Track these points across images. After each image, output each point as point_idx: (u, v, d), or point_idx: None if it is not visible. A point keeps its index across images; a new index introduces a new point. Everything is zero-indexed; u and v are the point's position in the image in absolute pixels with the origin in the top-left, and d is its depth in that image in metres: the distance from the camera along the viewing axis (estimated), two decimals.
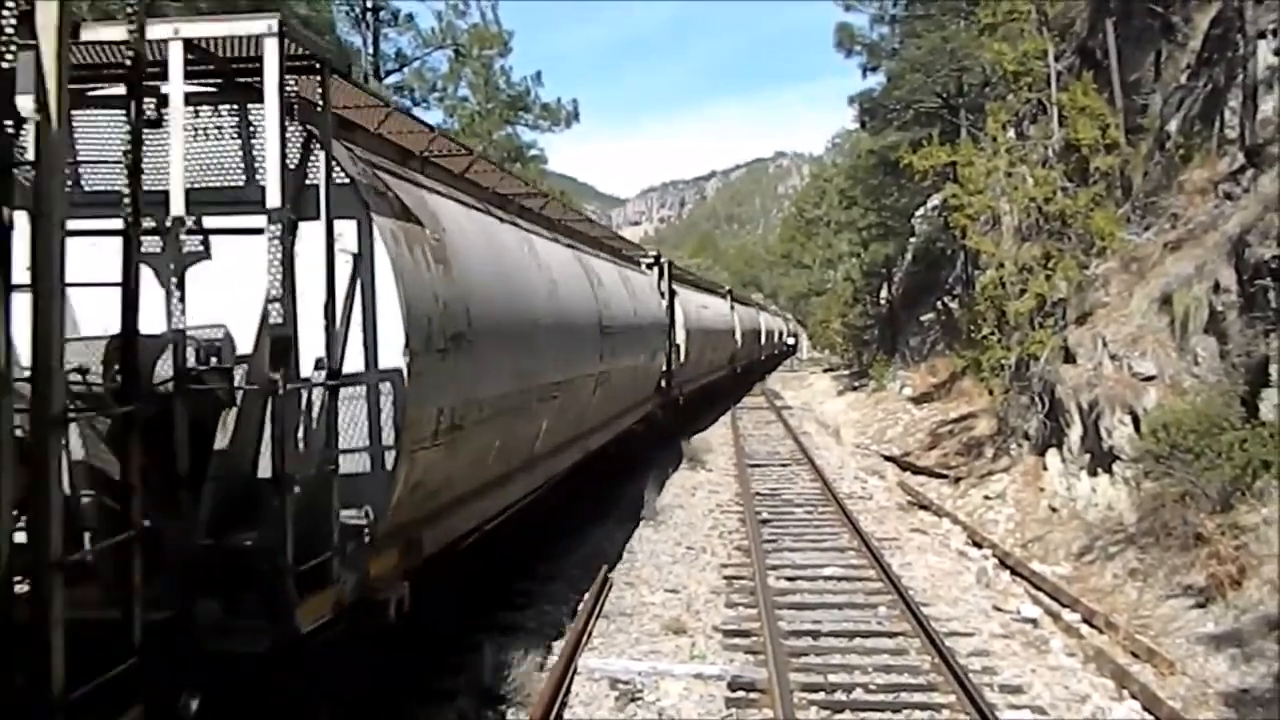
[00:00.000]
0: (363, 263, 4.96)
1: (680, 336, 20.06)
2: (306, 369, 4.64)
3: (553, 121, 31.87)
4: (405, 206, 5.63)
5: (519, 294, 7.71)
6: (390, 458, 5.02)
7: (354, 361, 4.91)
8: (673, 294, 19.73)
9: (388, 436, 4.99)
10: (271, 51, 4.37)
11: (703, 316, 24.31)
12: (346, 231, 4.88)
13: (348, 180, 4.99)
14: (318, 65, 4.88)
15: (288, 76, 4.51)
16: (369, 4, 28.56)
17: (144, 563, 3.56)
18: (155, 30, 4.25)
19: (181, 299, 4.51)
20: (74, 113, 4.76)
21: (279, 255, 4.30)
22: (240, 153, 4.94)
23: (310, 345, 4.62)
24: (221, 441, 4.41)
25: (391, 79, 29.40)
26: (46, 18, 2.81)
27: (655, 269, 18.83)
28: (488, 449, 6.93)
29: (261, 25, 4.38)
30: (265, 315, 4.33)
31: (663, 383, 17.78)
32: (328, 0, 27.15)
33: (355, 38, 28.86)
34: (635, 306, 13.71)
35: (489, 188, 8.75)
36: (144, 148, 3.43)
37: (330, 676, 4.87)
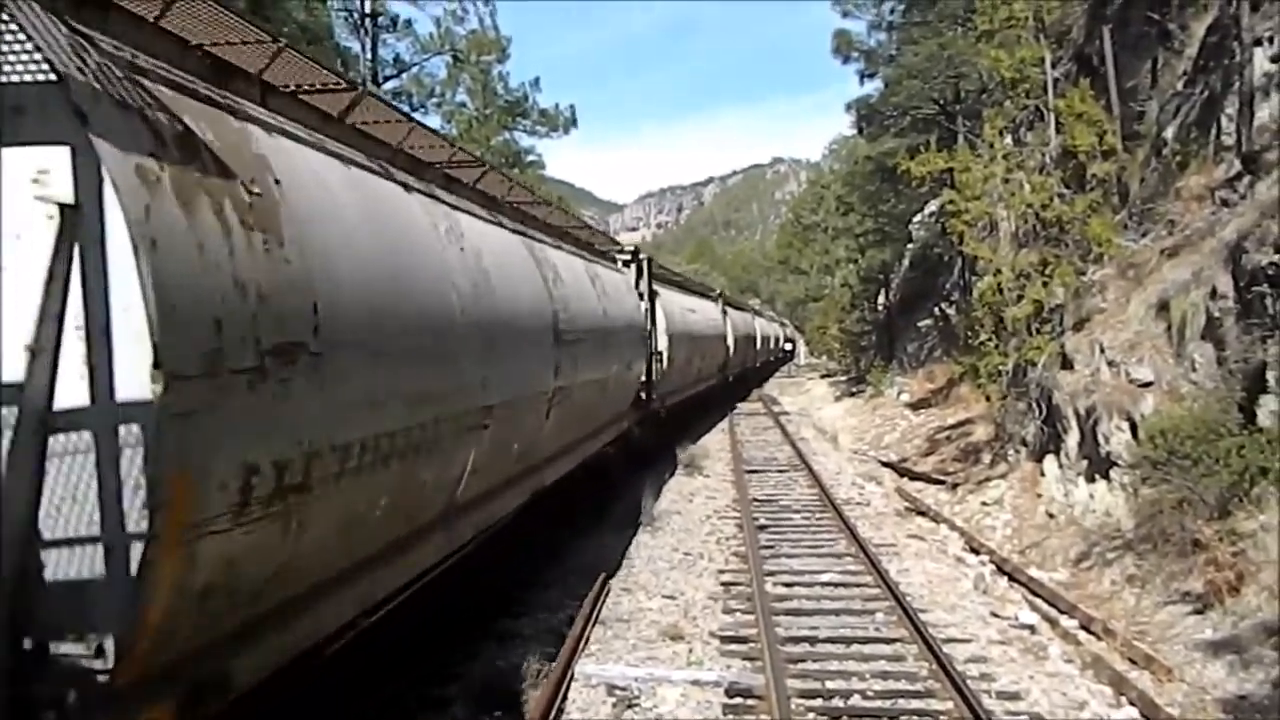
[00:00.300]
0: (83, 224, 2.82)
1: (662, 342, 18.05)
2: None
3: (550, 127, 31.90)
4: (186, 137, 3.32)
5: (419, 287, 5.20)
6: (137, 551, 2.85)
7: (73, 391, 2.86)
8: (654, 295, 17.67)
9: (134, 515, 2.86)
10: None
11: (689, 320, 22.32)
12: (54, 167, 2.81)
13: (54, 77, 2.80)
14: None
15: None
16: (367, 10, 28.60)
17: None
18: None
19: None
20: None
21: None
22: None
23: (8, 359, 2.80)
24: None
25: (390, 84, 29.41)
26: None
27: (633, 266, 16.53)
28: (367, 509, 4.68)
29: None
30: None
31: (642, 394, 15.77)
32: (326, 6, 27.19)
33: (354, 43, 28.89)
34: (606, 307, 11.40)
35: (396, 145, 6.21)
36: None
37: None
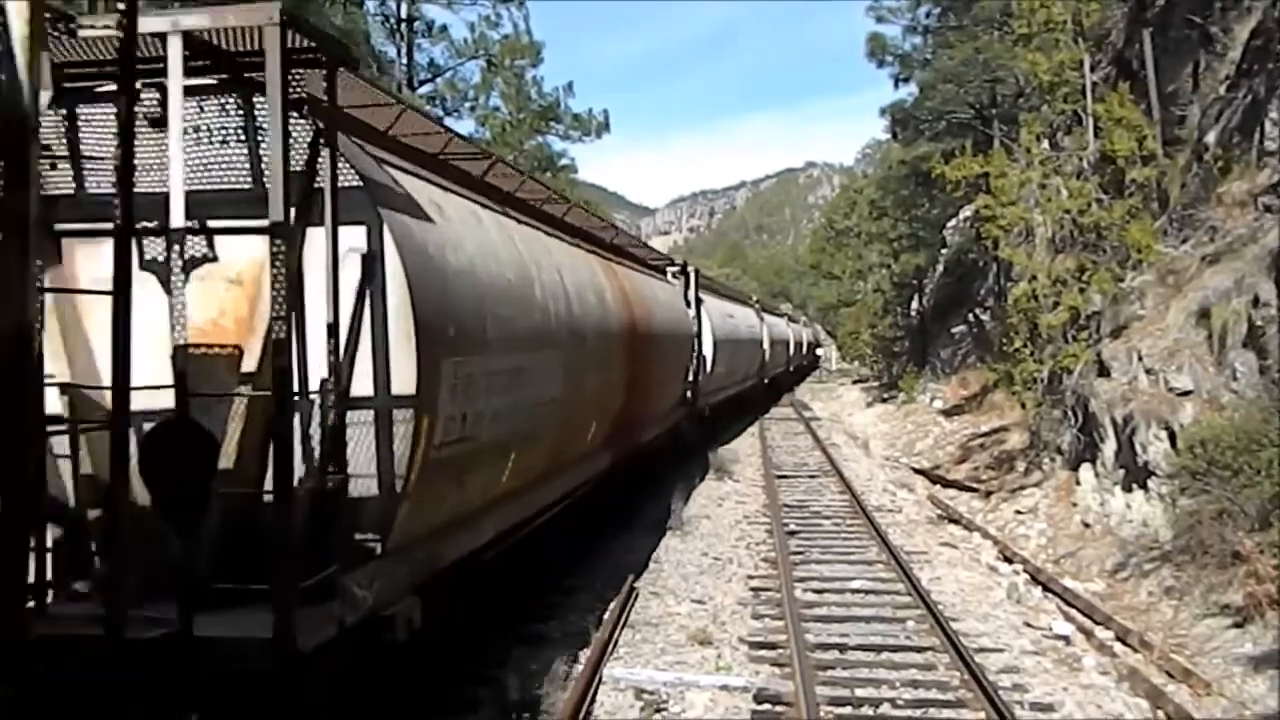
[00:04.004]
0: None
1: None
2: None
3: (583, 132, 31.99)
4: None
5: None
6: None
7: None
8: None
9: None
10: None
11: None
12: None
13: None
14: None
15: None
16: (403, 15, 28.89)
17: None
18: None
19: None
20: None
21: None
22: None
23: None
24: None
25: (424, 89, 29.69)
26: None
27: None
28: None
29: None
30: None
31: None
32: (363, 11, 27.50)
33: (389, 48, 29.21)
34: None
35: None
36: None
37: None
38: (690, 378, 17.20)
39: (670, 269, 18.06)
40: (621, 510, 13.63)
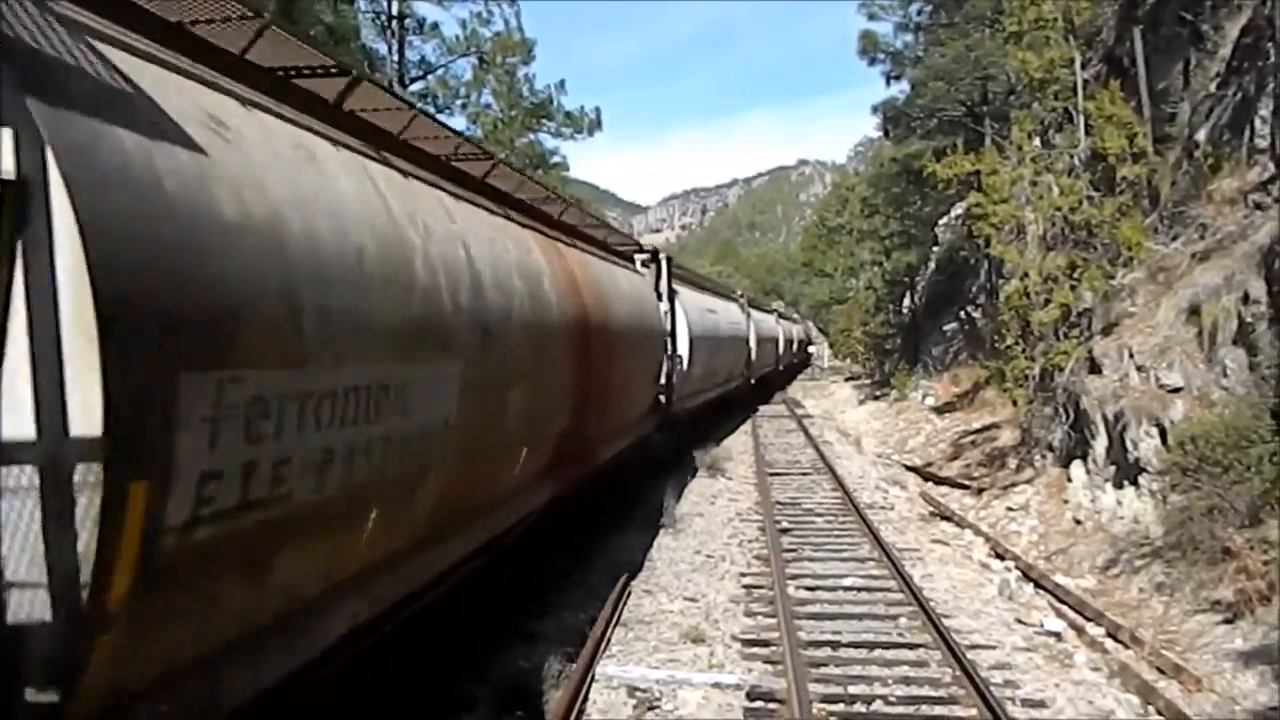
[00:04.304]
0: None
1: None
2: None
3: (575, 129, 31.93)
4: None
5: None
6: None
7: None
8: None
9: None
10: None
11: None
12: None
13: None
14: None
15: None
16: (394, 12, 28.78)
17: None
18: None
19: None
20: None
21: None
22: None
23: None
24: None
25: (416, 86, 29.57)
26: None
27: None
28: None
29: None
30: None
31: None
32: (353, 8, 27.39)
33: (380, 45, 29.08)
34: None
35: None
36: None
37: None
38: (662, 380, 15.19)
39: (639, 255, 15.48)
40: (575, 549, 11.46)
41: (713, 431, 24.54)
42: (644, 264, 15.46)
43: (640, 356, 12.23)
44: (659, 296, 15.57)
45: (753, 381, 34.36)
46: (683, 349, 17.29)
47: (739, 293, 33.64)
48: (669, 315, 16.22)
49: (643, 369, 12.61)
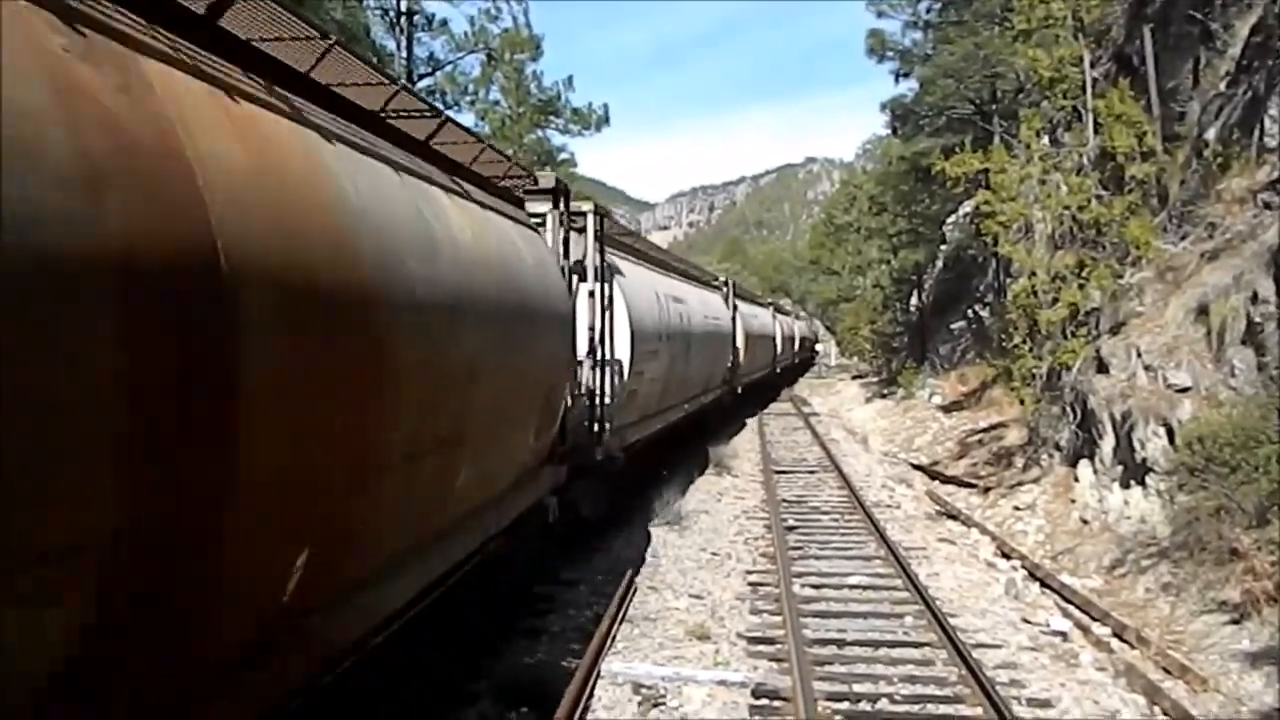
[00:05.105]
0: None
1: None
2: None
3: (583, 126, 31.92)
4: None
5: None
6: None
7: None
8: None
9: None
10: None
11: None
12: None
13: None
14: None
15: None
16: (403, 9, 28.80)
17: None
18: None
19: None
20: None
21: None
22: None
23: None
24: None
25: (424, 83, 29.60)
26: None
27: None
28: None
29: None
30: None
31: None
32: (362, 4, 27.42)
33: (389, 41, 29.10)
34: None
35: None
36: None
37: None
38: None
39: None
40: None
41: (675, 474, 17.33)
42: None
43: (527, 372, 6.68)
44: (576, 275, 10.16)
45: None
46: (623, 353, 12.14)
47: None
48: (605, 304, 11.30)
49: (527, 395, 6.82)
